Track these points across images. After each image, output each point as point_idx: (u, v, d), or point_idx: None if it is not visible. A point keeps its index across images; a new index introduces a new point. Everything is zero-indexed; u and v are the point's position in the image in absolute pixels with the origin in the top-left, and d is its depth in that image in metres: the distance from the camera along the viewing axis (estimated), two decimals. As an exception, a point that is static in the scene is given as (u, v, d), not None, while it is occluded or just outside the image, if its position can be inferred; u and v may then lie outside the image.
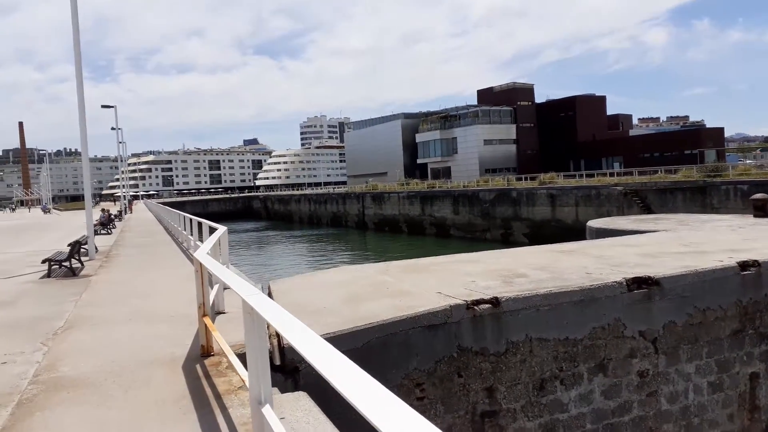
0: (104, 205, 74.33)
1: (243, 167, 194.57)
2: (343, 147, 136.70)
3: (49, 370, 5.41)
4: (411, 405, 1.58)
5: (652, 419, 8.03)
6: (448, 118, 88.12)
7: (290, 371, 5.92)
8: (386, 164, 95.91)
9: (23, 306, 8.89)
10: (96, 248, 15.96)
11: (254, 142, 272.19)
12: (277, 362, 5.82)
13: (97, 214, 29.49)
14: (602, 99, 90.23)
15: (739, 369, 8.76)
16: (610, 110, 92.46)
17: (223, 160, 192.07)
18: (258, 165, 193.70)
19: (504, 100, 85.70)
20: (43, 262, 12.39)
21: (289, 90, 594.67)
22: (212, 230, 10.66)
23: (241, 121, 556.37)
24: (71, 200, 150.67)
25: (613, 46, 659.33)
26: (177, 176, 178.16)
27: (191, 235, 15.15)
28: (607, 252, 10.69)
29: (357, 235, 61.52)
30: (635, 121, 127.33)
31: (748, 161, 68.04)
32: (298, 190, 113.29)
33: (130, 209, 58.39)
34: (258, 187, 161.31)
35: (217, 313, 7.23)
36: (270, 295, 8.41)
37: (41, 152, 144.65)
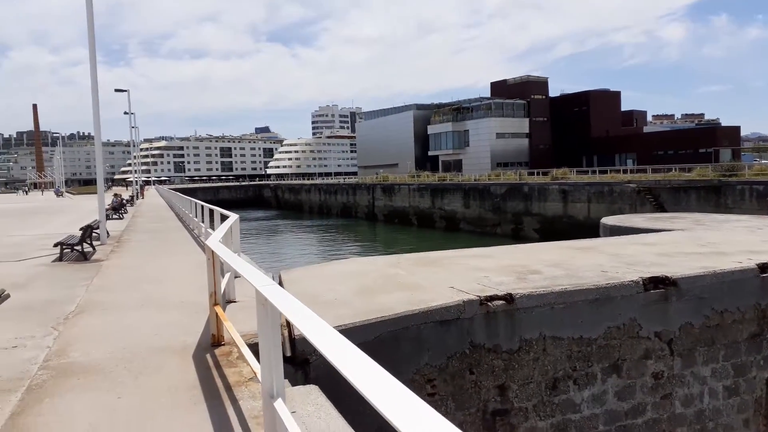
0: (116, 189, 74.81)
1: (254, 155, 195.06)
2: (355, 137, 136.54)
3: (60, 355, 5.38)
4: (421, 401, 1.52)
5: (665, 422, 7.91)
6: (460, 110, 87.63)
7: (300, 363, 5.85)
8: (397, 156, 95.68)
9: (35, 289, 8.90)
10: (108, 233, 15.99)
11: (266, 130, 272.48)
12: (288, 353, 5.75)
13: (109, 199, 29.61)
14: (617, 94, 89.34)
15: (756, 373, 8.60)
16: (624, 106, 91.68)
17: (235, 148, 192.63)
18: (269, 153, 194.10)
19: (517, 93, 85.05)
20: (55, 245, 12.41)
21: (301, 78, 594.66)
22: (224, 218, 10.63)
23: (253, 108, 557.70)
24: (84, 184, 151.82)
25: (628, 41, 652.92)
26: (189, 162, 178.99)
27: (202, 222, 15.14)
28: (623, 250, 10.53)
29: (366, 227, 61.49)
30: (649, 118, 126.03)
31: (763, 161, 67.19)
32: (308, 179, 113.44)
33: (142, 194, 58.71)
34: (269, 176, 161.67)
35: (227, 301, 7.18)
36: (280, 284, 8.35)
37: (54, 135, 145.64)
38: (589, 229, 35.47)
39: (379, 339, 6.23)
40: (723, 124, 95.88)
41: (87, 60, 15.35)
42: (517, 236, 43.48)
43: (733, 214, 19.63)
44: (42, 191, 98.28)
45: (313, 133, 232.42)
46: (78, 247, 12.35)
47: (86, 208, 33.75)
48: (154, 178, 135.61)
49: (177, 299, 7.76)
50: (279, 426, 3.17)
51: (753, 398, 8.66)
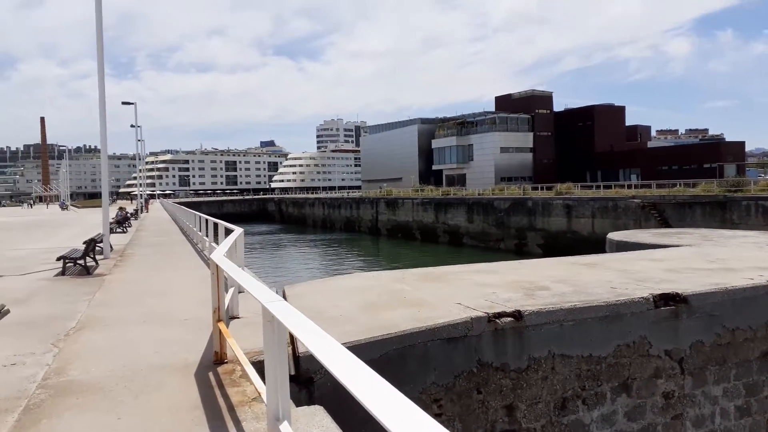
0: (121, 203, 74.97)
1: (259, 169, 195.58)
2: (359, 151, 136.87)
3: (59, 373, 5.27)
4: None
5: (676, 442, 7.73)
6: (464, 125, 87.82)
7: (304, 382, 5.73)
8: (401, 170, 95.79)
9: (36, 304, 8.81)
10: (111, 247, 15.94)
11: (271, 143, 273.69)
12: (292, 372, 5.64)
13: (113, 213, 29.63)
14: (621, 109, 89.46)
15: (768, 393, 8.42)
16: (629, 121, 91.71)
17: (240, 162, 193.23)
18: (274, 167, 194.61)
19: (522, 108, 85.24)
20: (58, 259, 12.34)
21: (307, 91, 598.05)
22: (228, 231, 10.55)
23: (259, 121, 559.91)
24: (89, 197, 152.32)
25: (634, 55, 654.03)
26: (193, 176, 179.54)
27: (206, 236, 15.07)
28: (631, 266, 10.39)
29: (370, 241, 61.36)
30: (653, 133, 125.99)
31: (767, 177, 66.98)
32: (312, 193, 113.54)
33: (146, 208, 58.80)
34: (273, 190, 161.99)
35: (231, 317, 7.07)
36: (284, 299, 8.25)
37: (61, 148, 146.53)
38: (594, 245, 35.25)
39: (385, 357, 6.11)
40: (727, 140, 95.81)
41: (95, 73, 15.42)
42: (521, 251, 43.28)
43: (739, 230, 19.47)
44: (47, 204, 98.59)
45: (318, 147, 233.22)
46: (81, 261, 12.28)
47: (90, 221, 33.77)
48: (158, 192, 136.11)
49: (180, 315, 7.66)
50: (284, 451, 3.07)
51: (765, 419, 8.47)
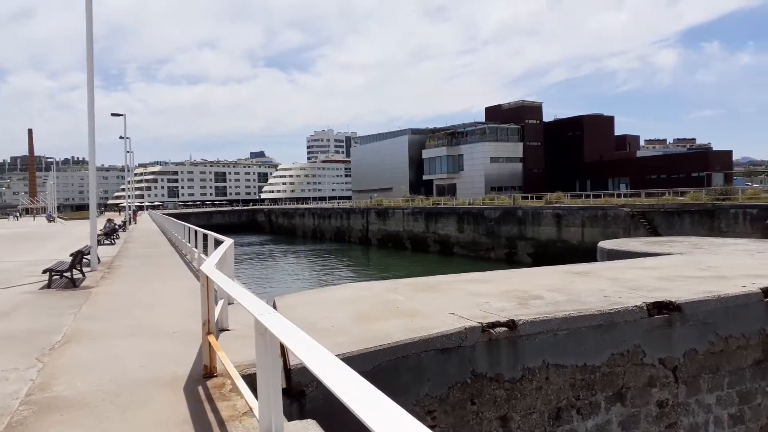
0: (109, 215, 74.38)
1: (249, 180, 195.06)
2: (349, 161, 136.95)
3: (43, 389, 5.13)
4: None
5: (671, 452, 7.67)
6: (455, 135, 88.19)
7: (296, 395, 5.62)
8: (392, 180, 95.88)
9: (20, 318, 8.63)
10: (99, 259, 15.73)
11: (261, 154, 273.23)
12: (283, 385, 5.52)
13: (101, 224, 29.32)
14: (610, 119, 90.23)
15: (761, 401, 8.40)
16: (618, 131, 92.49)
17: (229, 173, 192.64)
18: (264, 178, 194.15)
19: (512, 118, 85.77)
20: (44, 272, 12.15)
21: (298, 103, 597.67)
22: (218, 243, 10.42)
23: (250, 133, 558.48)
24: (76, 209, 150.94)
25: (621, 66, 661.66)
26: (182, 187, 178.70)
27: (195, 247, 14.92)
28: (622, 274, 10.38)
29: (360, 251, 61.21)
30: (642, 143, 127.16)
31: (755, 185, 67.70)
32: (302, 204, 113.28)
33: (135, 220, 58.33)
34: (263, 200, 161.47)
35: (220, 330, 6.95)
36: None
37: (49, 160, 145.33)
38: (584, 253, 35.36)
39: (378, 368, 6.01)
40: (714, 149, 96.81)
41: (84, 85, 15.28)
42: (511, 260, 43.34)
43: (729, 238, 19.59)
44: (33, 217, 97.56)
45: (308, 158, 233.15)
46: (67, 274, 12.09)
47: (78, 233, 33.41)
48: (147, 204, 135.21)
49: (168, 327, 7.53)
50: (276, 467, 2.97)
51: (758, 426, 8.44)
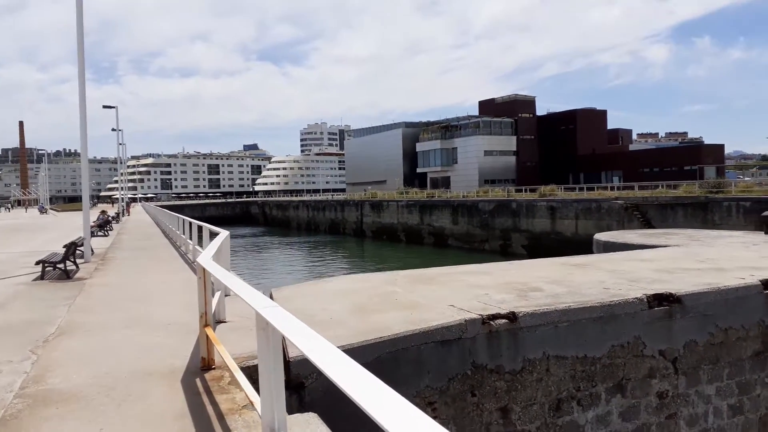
0: (102, 206, 73.90)
1: (242, 172, 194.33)
2: (343, 154, 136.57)
3: (38, 381, 5.02)
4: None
5: (670, 443, 7.65)
6: (449, 128, 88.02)
7: (295, 387, 5.54)
8: (386, 173, 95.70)
9: (13, 310, 8.49)
10: (92, 250, 15.56)
11: (254, 147, 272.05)
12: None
13: (95, 216, 29.08)
14: (603, 113, 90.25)
15: (761, 391, 8.40)
16: (610, 124, 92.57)
17: (223, 165, 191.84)
18: (257, 170, 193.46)
19: (505, 112, 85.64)
20: (37, 263, 11.99)
21: (291, 96, 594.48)
22: (213, 235, 10.31)
23: (242, 125, 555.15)
24: (69, 201, 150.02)
25: (613, 61, 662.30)
26: (176, 180, 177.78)
27: (190, 238, 14.78)
28: (621, 266, 10.35)
29: (355, 243, 61.13)
30: (634, 137, 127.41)
31: (746, 178, 68.01)
32: (296, 196, 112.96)
33: (128, 212, 57.98)
34: (256, 193, 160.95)
35: (217, 321, 6.86)
36: (272, 303, 8.04)
37: (40, 152, 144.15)
38: (577, 245, 35.46)
39: (378, 360, 5.94)
40: (706, 143, 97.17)
41: (75, 77, 15.06)
42: (505, 252, 43.40)
43: (724, 230, 19.62)
44: (26, 208, 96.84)
45: (302, 151, 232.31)
46: (61, 265, 11.94)
47: (70, 225, 33.13)
48: (140, 196, 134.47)
49: (164, 319, 7.42)
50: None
51: (757, 417, 8.44)
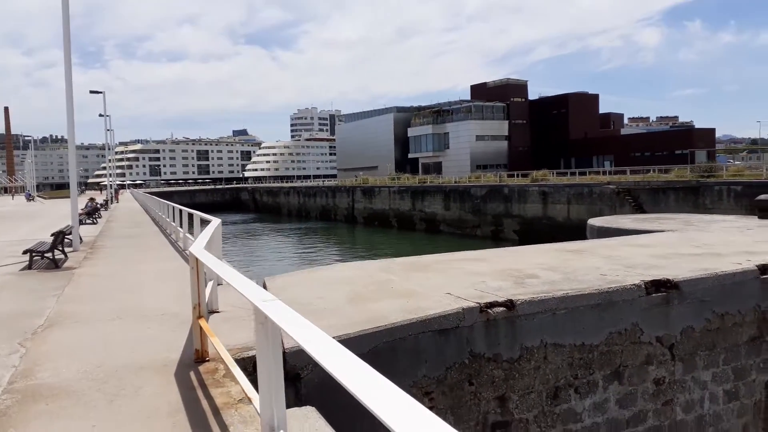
0: (90, 193, 73.17)
1: (231, 158, 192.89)
2: (334, 140, 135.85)
3: (27, 376, 4.88)
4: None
5: (667, 430, 7.66)
6: (440, 113, 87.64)
7: (291, 378, 5.44)
8: (377, 158, 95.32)
9: (0, 301, 8.31)
10: (81, 238, 15.33)
11: (243, 132, 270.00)
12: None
13: (82, 203, 28.71)
14: (595, 97, 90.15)
15: (756, 377, 8.42)
16: (602, 109, 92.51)
17: (212, 151, 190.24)
18: (247, 156, 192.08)
19: (497, 96, 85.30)
20: (24, 252, 11.77)
21: (280, 80, 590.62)
22: (203, 222, 10.14)
23: (231, 110, 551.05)
24: (56, 188, 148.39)
25: (605, 45, 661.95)
26: (164, 166, 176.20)
27: (180, 226, 14.58)
28: (617, 252, 10.30)
29: (346, 229, 61.01)
30: (626, 121, 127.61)
31: (737, 162, 68.33)
32: (287, 182, 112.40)
33: (117, 198, 57.44)
34: (246, 179, 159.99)
35: (210, 311, 6.72)
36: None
37: (26, 138, 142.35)
38: (569, 230, 35.51)
39: (375, 350, 5.85)
40: (697, 127, 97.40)
41: (61, 62, 14.67)
42: (497, 238, 43.45)
43: (718, 215, 19.67)
44: (12, 195, 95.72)
45: (292, 136, 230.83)
46: (49, 255, 11.72)
47: (58, 212, 32.73)
48: (129, 182, 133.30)
49: (155, 309, 7.28)
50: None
51: (752, 402, 8.47)
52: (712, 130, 76.45)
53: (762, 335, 8.41)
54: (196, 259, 5.17)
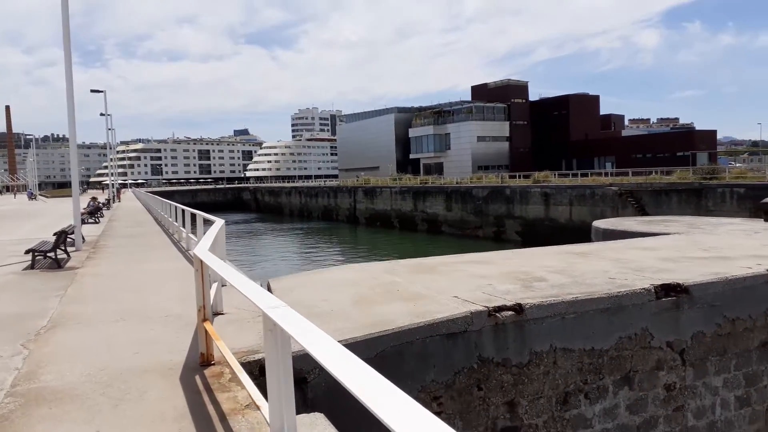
0: (92, 193, 73.15)
1: (233, 158, 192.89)
2: (335, 140, 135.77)
3: (30, 379, 4.79)
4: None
5: (677, 435, 7.55)
6: (441, 114, 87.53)
7: (298, 382, 5.32)
8: (378, 158, 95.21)
9: (3, 301, 8.23)
10: (83, 238, 15.25)
11: (245, 132, 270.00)
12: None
13: (84, 202, 28.65)
14: (595, 98, 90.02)
15: (767, 383, 8.30)
16: (602, 110, 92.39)
17: (213, 150, 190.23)
18: (248, 156, 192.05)
19: (498, 97, 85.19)
20: (27, 252, 11.69)
21: (281, 80, 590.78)
22: (206, 222, 10.04)
23: (232, 110, 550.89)
24: (58, 187, 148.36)
25: (604, 46, 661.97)
26: (166, 165, 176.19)
27: (183, 226, 14.50)
28: (624, 255, 10.19)
29: (348, 230, 60.92)
30: (626, 122, 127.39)
31: (738, 164, 68.20)
32: (288, 182, 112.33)
33: (118, 198, 57.39)
34: (248, 178, 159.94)
35: (215, 313, 6.63)
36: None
37: (28, 137, 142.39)
38: (571, 232, 35.42)
39: (382, 354, 5.75)
40: (697, 128, 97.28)
41: (61, 61, 14.61)
42: (499, 239, 43.35)
43: (724, 218, 19.55)
44: (14, 194, 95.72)
45: (293, 136, 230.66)
46: (51, 254, 11.64)
47: (60, 211, 32.66)
48: (130, 181, 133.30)
49: (160, 311, 7.19)
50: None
51: (764, 408, 8.36)
52: (714, 132, 76.35)
53: (772, 340, 8.30)
54: (201, 261, 5.08)
